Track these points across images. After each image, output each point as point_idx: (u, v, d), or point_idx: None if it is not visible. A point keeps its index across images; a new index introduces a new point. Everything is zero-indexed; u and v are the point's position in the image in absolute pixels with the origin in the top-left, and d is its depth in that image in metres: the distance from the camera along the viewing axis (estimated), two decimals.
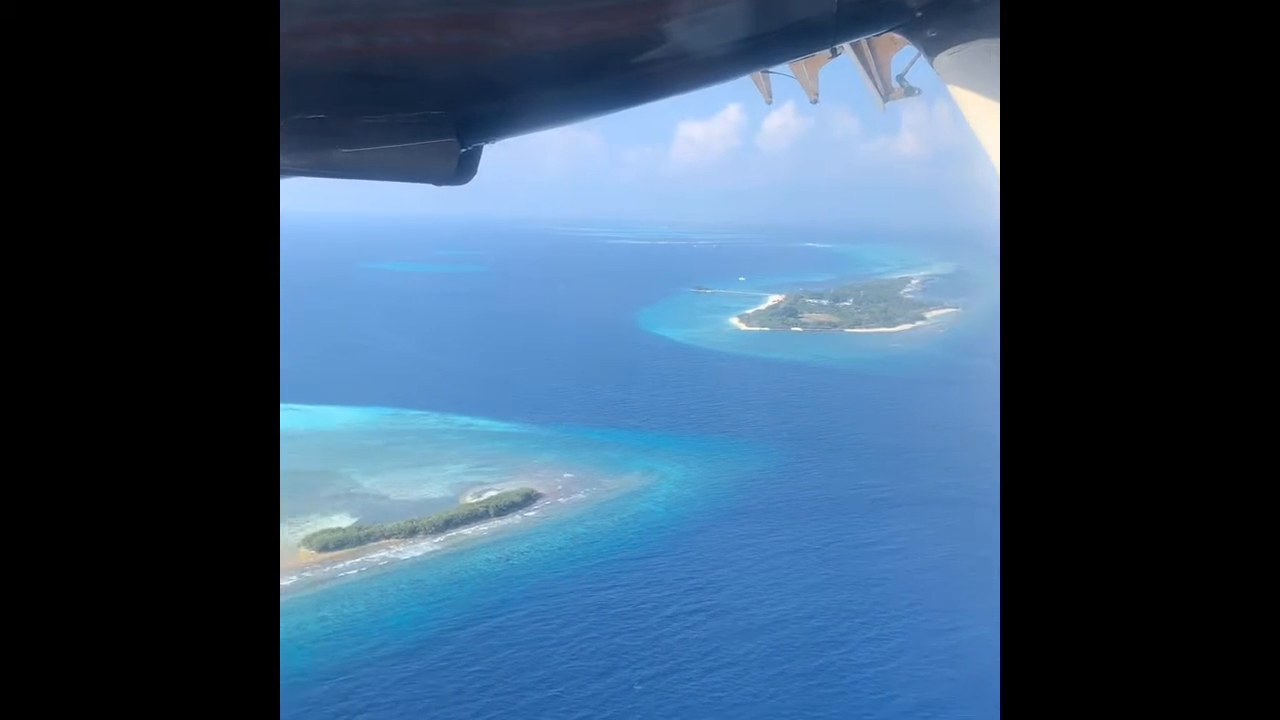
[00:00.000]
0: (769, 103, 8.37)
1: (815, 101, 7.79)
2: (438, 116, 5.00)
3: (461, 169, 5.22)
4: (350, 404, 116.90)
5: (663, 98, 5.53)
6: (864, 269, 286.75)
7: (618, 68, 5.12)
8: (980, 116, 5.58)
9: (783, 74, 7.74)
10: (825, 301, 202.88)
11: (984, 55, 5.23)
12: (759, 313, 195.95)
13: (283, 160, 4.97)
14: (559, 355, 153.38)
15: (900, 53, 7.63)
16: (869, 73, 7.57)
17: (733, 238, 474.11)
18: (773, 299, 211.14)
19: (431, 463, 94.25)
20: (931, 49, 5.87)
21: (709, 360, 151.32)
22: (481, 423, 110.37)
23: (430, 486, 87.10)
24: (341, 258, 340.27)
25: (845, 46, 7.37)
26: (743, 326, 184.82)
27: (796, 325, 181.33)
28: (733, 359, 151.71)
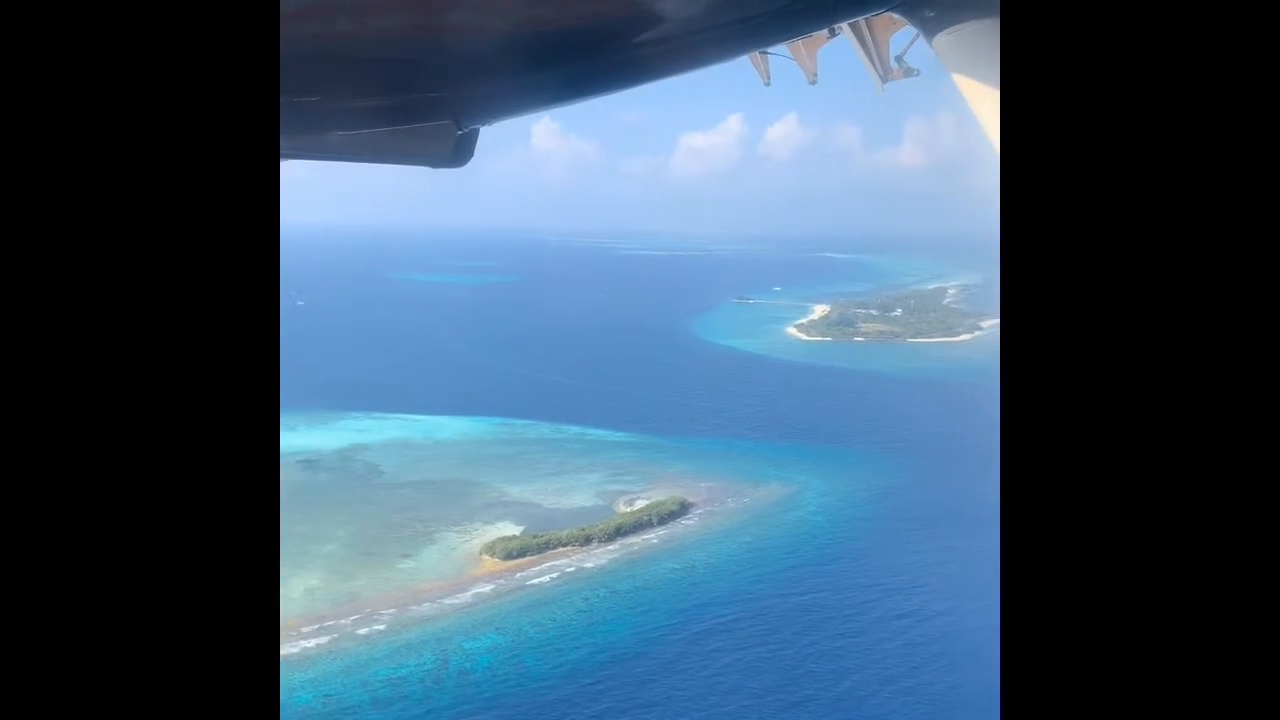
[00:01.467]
0: (767, 84, 8.04)
1: (814, 82, 7.71)
2: (434, 99, 4.99)
3: (458, 151, 5.19)
4: (454, 414, 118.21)
5: (659, 78, 5.46)
6: (894, 279, 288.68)
7: (614, 48, 5.07)
8: (979, 96, 5.51)
9: (781, 54, 7.62)
10: (875, 311, 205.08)
11: (983, 35, 5.11)
12: (813, 323, 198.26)
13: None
14: (635, 366, 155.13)
15: (899, 33, 7.52)
16: (867, 53, 7.45)
17: (748, 248, 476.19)
18: (819, 309, 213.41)
19: (566, 471, 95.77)
20: (930, 28, 5.78)
21: (786, 370, 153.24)
22: (595, 433, 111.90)
23: (577, 495, 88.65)
24: (365, 268, 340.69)
25: (843, 26, 7.27)
26: (803, 336, 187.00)
27: (857, 335, 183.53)
28: (809, 369, 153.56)
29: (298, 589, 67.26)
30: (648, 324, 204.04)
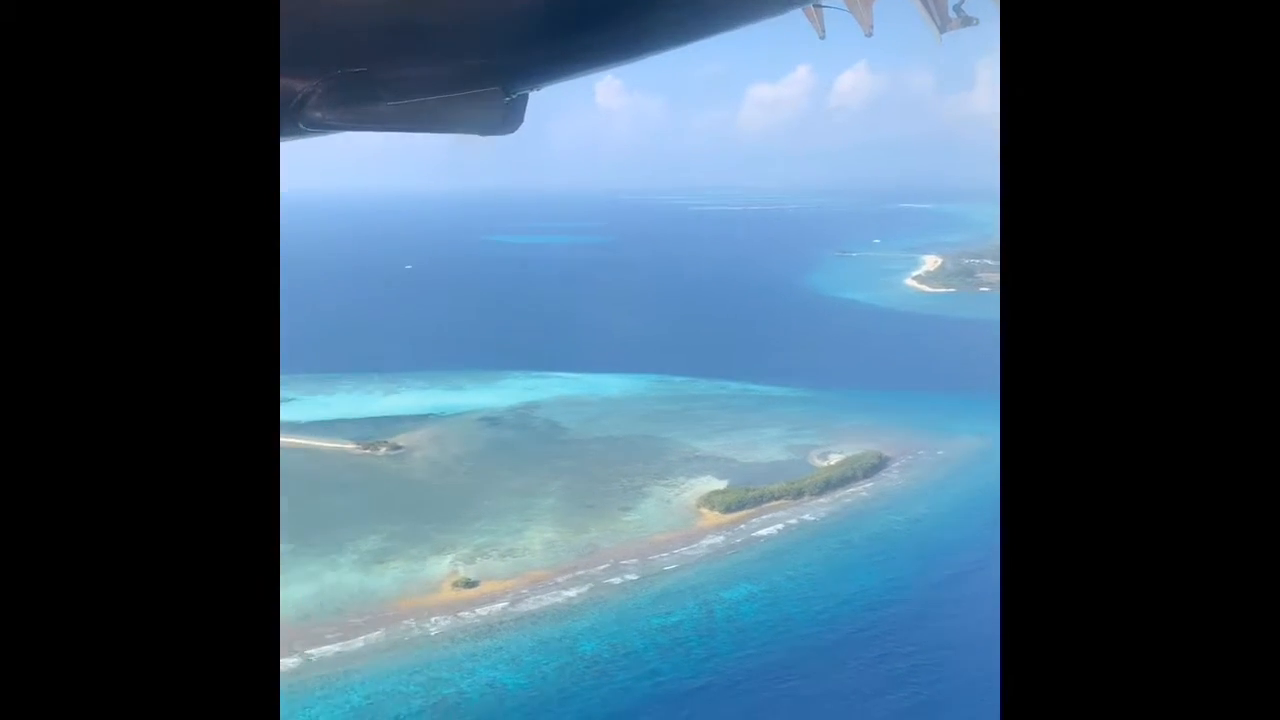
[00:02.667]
0: (822, 37, 7.96)
1: (869, 35, 7.55)
2: (481, 65, 4.92)
3: (507, 117, 5.13)
4: (607, 371, 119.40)
5: (709, 35, 5.31)
6: (989, 229, 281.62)
7: (663, 6, 4.96)
8: None
9: (837, 7, 7.55)
10: (990, 261, 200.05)
11: None
12: (930, 274, 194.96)
13: (329, 115, 4.91)
14: (768, 321, 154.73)
15: None
16: (924, 2, 7.21)
17: (827, 200, 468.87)
18: (930, 260, 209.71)
19: (745, 426, 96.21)
20: None
21: (920, 322, 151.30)
22: (757, 388, 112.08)
23: (767, 449, 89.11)
24: (453, 232, 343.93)
25: None
26: (924, 288, 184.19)
27: (981, 285, 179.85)
28: (944, 320, 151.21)
29: (536, 541, 69.29)
30: (759, 279, 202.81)
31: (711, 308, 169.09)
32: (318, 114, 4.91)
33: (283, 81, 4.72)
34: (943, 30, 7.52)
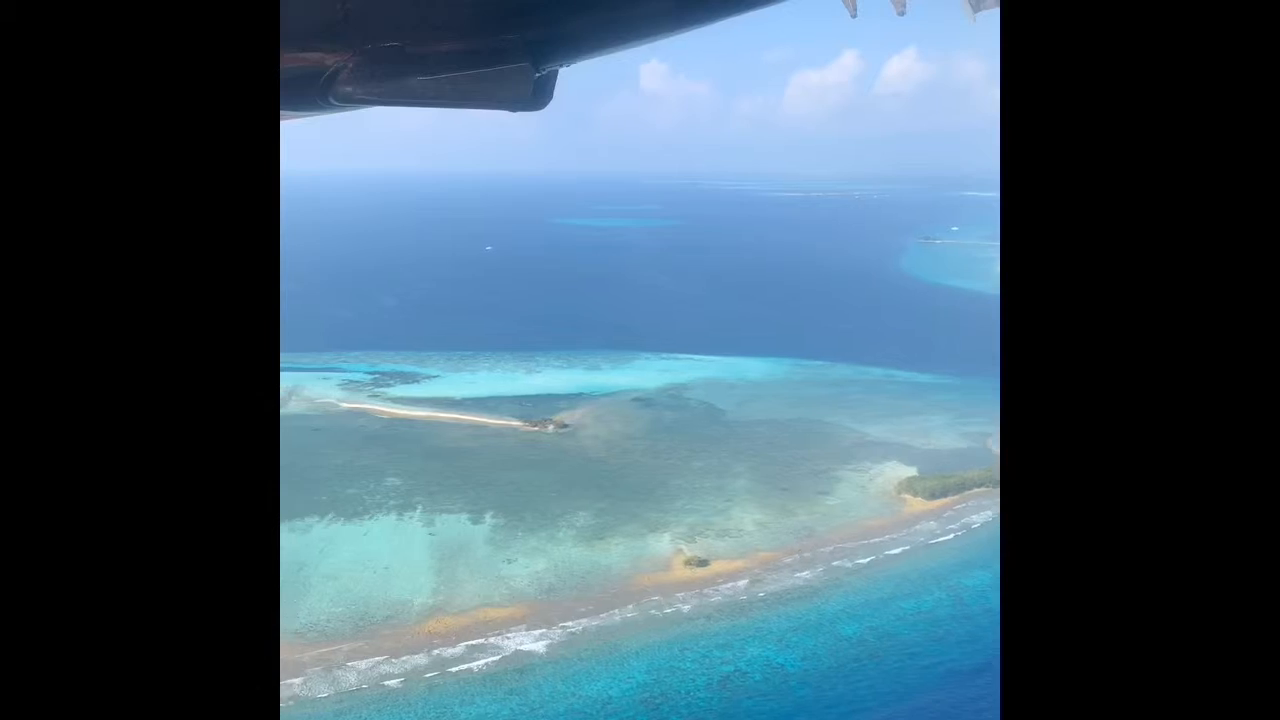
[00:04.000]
0: (854, 16, 7.92)
1: (902, 14, 7.42)
2: (511, 40, 4.84)
3: (536, 94, 5.06)
4: (738, 354, 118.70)
5: (743, 11, 5.24)
6: None
7: None
8: None
9: None
10: None
11: None
12: None
13: (360, 90, 4.88)
14: (877, 307, 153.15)
15: None
16: None
17: (889, 188, 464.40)
18: None
19: (903, 413, 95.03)
20: None
21: None
22: (902, 374, 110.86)
23: (941, 436, 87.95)
24: (520, 214, 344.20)
25: None
26: None
27: None
28: None
29: (747, 522, 68.82)
30: (851, 265, 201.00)
31: (814, 293, 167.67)
32: (349, 89, 4.91)
33: (314, 56, 4.88)
34: (977, 10, 7.52)
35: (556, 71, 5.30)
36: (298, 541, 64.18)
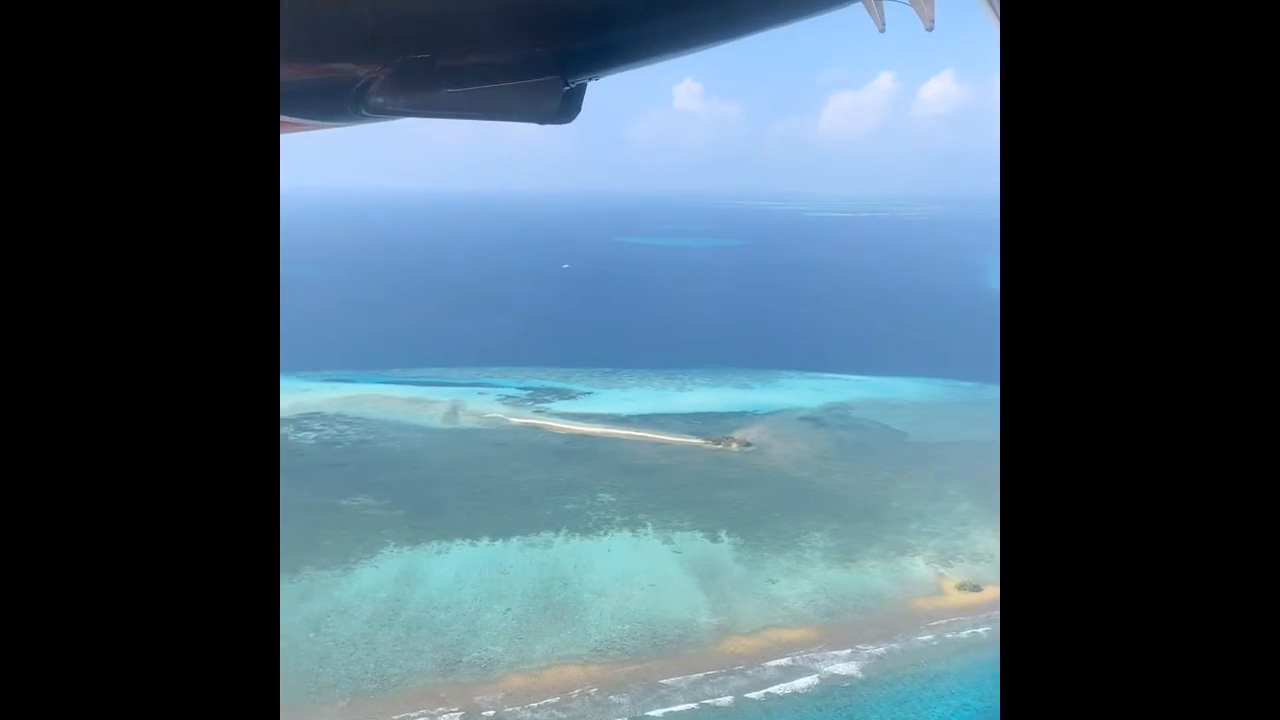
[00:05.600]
0: (882, 30, 8.07)
1: (930, 29, 7.48)
2: (541, 54, 4.87)
3: (565, 106, 5.08)
4: (881, 374, 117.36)
5: (771, 26, 5.23)
6: None
7: None
8: None
9: (898, 0, 7.33)
10: None
11: None
12: None
13: (391, 101, 4.92)
14: (990, 326, 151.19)
15: None
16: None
17: (940, 209, 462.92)
18: None
19: None
20: None
21: None
22: None
23: None
24: (577, 232, 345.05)
25: None
26: None
27: None
28: None
29: (995, 546, 67.21)
30: (942, 285, 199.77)
31: (924, 312, 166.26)
32: (380, 100, 4.95)
33: (347, 68, 4.93)
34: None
35: (585, 84, 5.28)
36: (545, 557, 63.21)
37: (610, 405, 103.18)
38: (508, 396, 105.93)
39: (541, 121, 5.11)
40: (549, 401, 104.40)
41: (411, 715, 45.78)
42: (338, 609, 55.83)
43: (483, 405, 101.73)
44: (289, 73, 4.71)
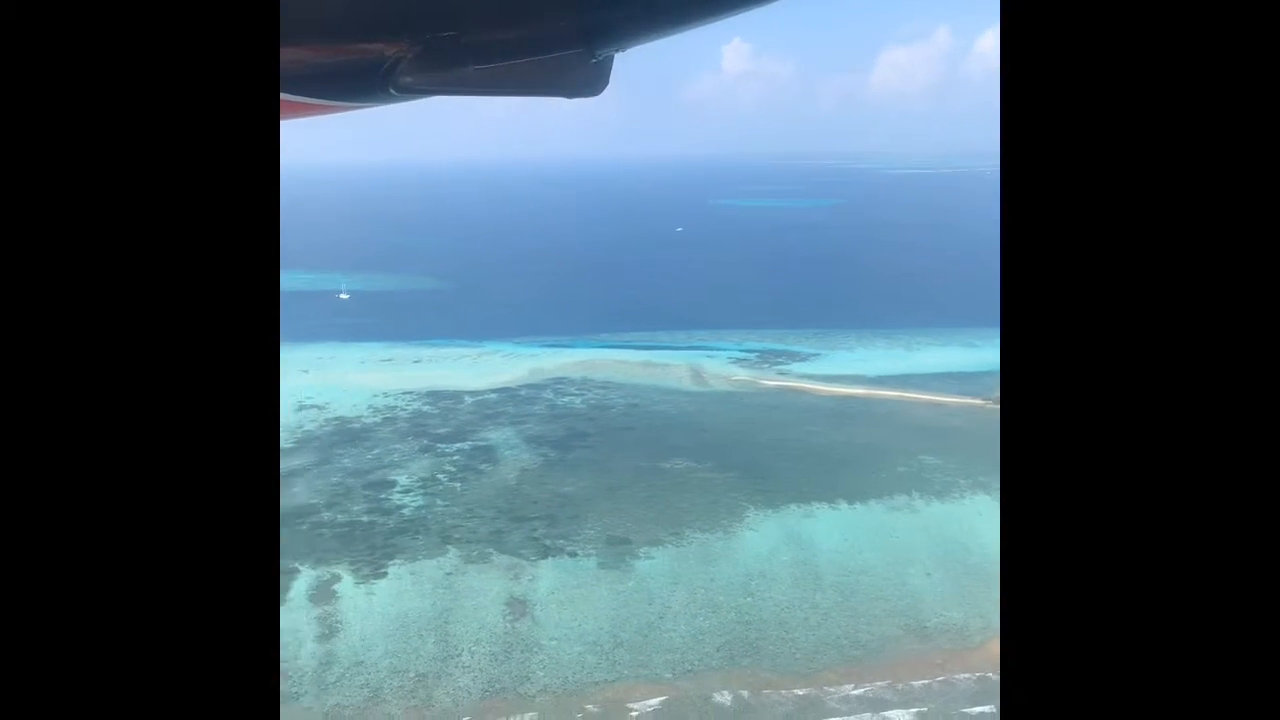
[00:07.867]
0: None
1: None
2: (566, 27, 4.89)
3: (593, 79, 5.11)
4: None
5: None
6: None
7: None
8: None
9: None
10: None
11: None
12: None
13: (419, 80, 4.88)
14: None
15: None
16: None
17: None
18: None
19: None
20: None
21: None
22: None
23: None
24: (669, 197, 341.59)
25: None
26: None
27: None
28: None
29: None
30: None
31: None
32: (408, 79, 4.93)
33: (374, 47, 4.94)
34: None
35: (613, 56, 5.23)
36: (918, 520, 61.43)
37: (850, 366, 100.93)
38: (738, 359, 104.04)
39: (570, 95, 5.16)
40: (784, 364, 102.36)
41: (928, 682, 44.34)
42: (754, 573, 54.49)
43: (720, 369, 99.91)
44: (316, 55, 4.86)
